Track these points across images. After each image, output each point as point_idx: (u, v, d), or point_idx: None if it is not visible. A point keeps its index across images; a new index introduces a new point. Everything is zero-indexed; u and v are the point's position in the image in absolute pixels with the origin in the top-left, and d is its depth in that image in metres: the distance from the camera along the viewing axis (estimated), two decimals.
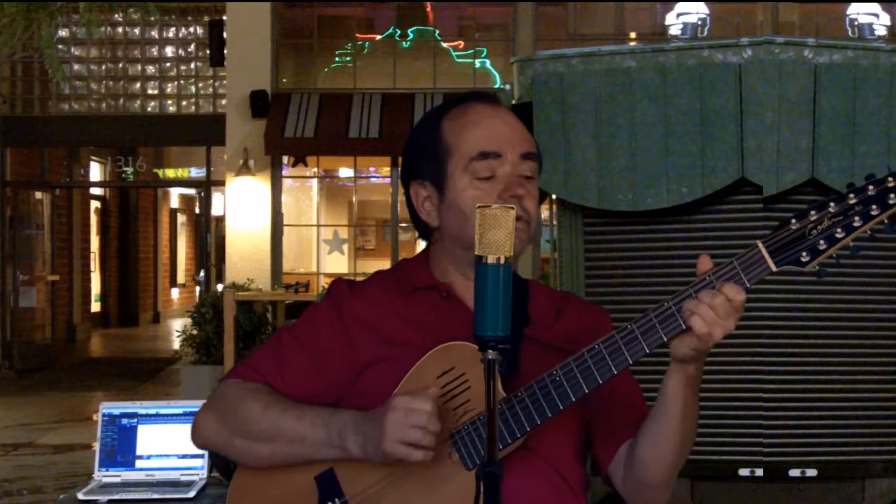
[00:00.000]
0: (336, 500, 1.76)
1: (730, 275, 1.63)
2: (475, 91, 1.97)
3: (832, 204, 1.61)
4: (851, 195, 1.60)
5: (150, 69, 13.01)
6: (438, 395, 1.67)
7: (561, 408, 1.69)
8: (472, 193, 1.78)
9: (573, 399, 1.68)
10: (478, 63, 11.99)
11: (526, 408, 1.69)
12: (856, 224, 1.60)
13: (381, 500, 1.73)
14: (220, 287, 12.47)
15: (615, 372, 1.67)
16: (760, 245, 1.63)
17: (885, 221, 1.60)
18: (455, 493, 1.69)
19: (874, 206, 1.59)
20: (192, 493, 2.68)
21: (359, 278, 2.03)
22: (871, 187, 1.60)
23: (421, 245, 2.07)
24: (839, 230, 1.60)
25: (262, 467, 1.81)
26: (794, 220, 1.62)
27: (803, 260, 1.61)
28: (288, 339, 1.87)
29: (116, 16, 12.69)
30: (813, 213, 1.61)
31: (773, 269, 1.62)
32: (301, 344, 1.85)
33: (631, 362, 1.67)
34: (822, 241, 1.61)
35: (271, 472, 1.81)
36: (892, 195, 1.58)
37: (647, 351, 1.66)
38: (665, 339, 1.65)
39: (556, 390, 1.68)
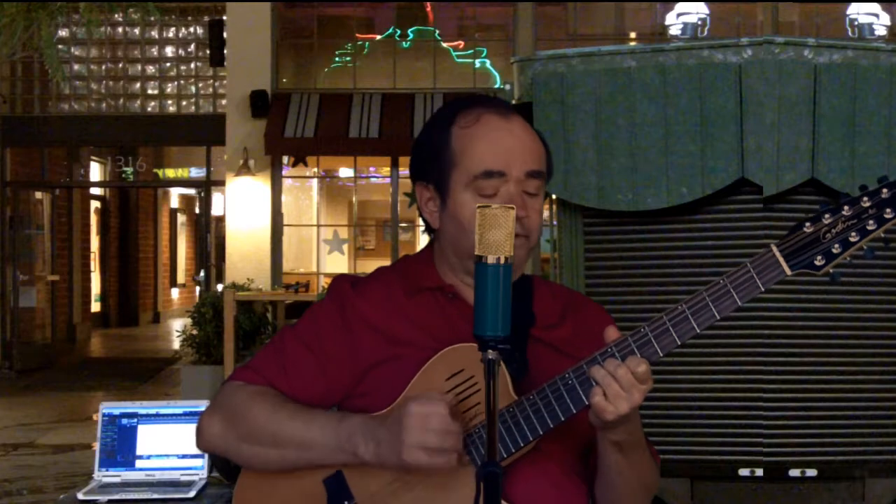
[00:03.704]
0: (345, 503, 1.75)
1: (744, 277, 1.63)
2: (490, 97, 1.92)
3: (846, 207, 1.61)
4: (865, 198, 1.61)
5: (150, 69, 13.01)
6: (451, 400, 1.65)
7: (574, 411, 1.68)
8: (473, 209, 1.75)
9: (586, 402, 1.67)
10: (478, 63, 11.99)
11: (538, 411, 1.68)
12: (870, 227, 1.60)
13: (392, 503, 1.72)
14: (220, 287, 12.47)
15: None
16: (775, 248, 1.62)
17: None
18: (467, 495, 1.67)
19: (888, 210, 1.60)
20: (192, 493, 2.68)
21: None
22: (884, 190, 1.60)
23: (421, 243, 2.06)
24: (853, 234, 1.60)
25: (270, 472, 1.80)
26: (808, 224, 1.62)
27: (818, 264, 1.62)
28: (291, 340, 1.85)
29: (116, 16, 12.69)
30: (827, 216, 1.61)
31: (788, 273, 1.62)
32: (304, 345, 1.83)
33: None
34: (836, 245, 1.61)
35: (278, 474, 1.80)
36: None
37: (661, 355, 1.66)
38: (679, 343, 1.65)
39: (569, 394, 1.67)
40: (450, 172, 1.80)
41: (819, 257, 1.61)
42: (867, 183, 1.63)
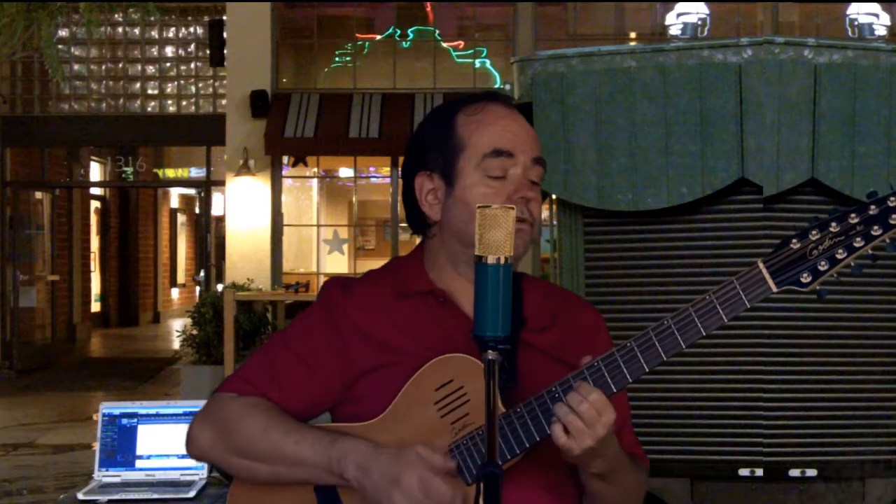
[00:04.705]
0: None
1: (730, 294, 1.62)
2: (491, 91, 1.93)
3: (833, 223, 1.60)
4: (853, 214, 1.59)
5: (150, 69, 13.01)
6: (452, 467, 1.66)
7: None
8: (482, 191, 1.76)
9: None
10: (478, 63, 11.99)
11: (525, 424, 1.67)
12: (857, 244, 1.59)
13: None
14: (220, 287, 12.47)
15: (615, 390, 1.65)
16: (761, 265, 1.62)
17: (887, 240, 1.59)
18: None
19: (876, 227, 1.59)
20: (192, 493, 2.68)
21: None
22: (872, 206, 1.59)
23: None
24: (841, 250, 1.60)
25: (260, 485, 1.80)
26: (794, 240, 1.61)
27: (804, 281, 1.61)
28: (281, 348, 1.84)
29: (116, 16, 12.69)
30: (814, 232, 1.60)
31: (774, 290, 1.61)
32: (295, 353, 1.82)
33: (630, 380, 1.66)
34: (823, 262, 1.60)
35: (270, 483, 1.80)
36: (894, 215, 1.58)
37: (647, 370, 1.65)
38: (664, 358, 1.64)
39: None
40: (457, 156, 1.79)
41: (805, 274, 1.61)
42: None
